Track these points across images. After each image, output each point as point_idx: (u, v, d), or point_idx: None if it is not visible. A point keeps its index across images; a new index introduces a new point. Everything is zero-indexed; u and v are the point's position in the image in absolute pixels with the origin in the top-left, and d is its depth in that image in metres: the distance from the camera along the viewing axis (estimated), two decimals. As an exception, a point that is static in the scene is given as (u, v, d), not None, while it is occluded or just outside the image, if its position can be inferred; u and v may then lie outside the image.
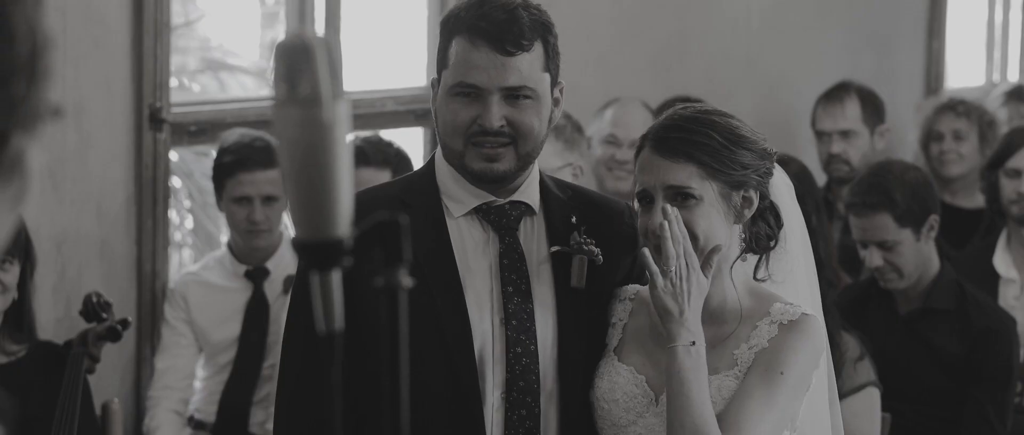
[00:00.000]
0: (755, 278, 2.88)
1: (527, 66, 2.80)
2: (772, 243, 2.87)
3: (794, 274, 2.94)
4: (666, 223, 2.72)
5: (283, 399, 2.89)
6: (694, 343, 2.70)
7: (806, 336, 2.78)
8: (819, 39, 6.99)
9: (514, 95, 2.80)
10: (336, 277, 1.64)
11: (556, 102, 2.90)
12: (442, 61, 2.86)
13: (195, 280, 4.64)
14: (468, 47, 2.80)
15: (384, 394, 1.73)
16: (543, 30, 2.84)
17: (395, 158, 4.60)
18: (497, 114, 2.79)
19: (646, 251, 2.74)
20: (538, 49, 2.82)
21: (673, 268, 2.71)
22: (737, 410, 2.72)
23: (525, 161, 2.86)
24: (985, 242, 5.31)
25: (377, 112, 5.22)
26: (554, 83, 2.88)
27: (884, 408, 4.21)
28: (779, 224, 2.87)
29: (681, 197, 2.76)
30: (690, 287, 2.72)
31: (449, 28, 2.85)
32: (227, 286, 4.62)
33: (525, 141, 2.82)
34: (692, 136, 2.77)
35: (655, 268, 2.73)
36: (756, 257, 2.89)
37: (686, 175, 2.76)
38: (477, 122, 2.80)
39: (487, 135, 2.80)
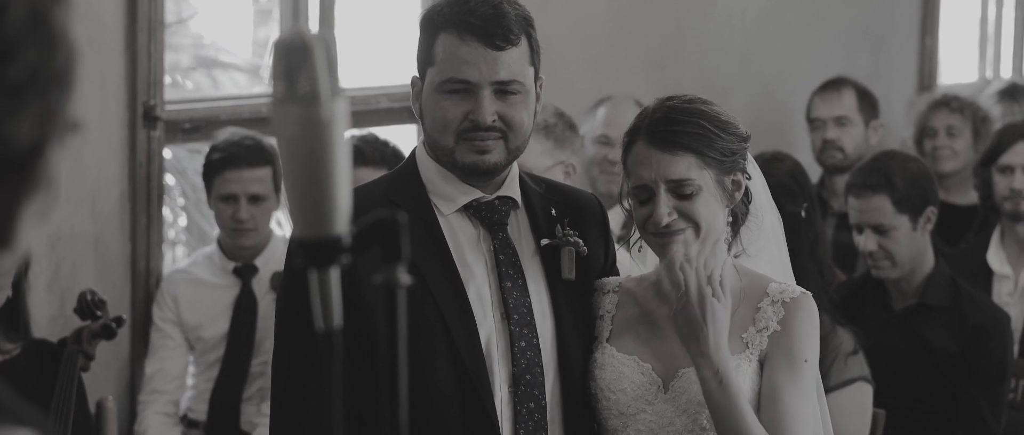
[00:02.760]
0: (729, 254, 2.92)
1: (515, 60, 2.82)
2: (743, 220, 2.92)
3: (768, 248, 2.99)
4: (685, 264, 2.74)
5: (277, 401, 2.88)
6: (718, 373, 2.71)
7: (812, 317, 2.83)
8: (813, 37, 6.99)
9: (504, 90, 2.82)
10: (334, 275, 1.64)
11: (537, 97, 2.92)
12: (427, 58, 2.86)
13: (184, 278, 4.64)
14: (457, 42, 2.81)
15: (384, 393, 1.73)
16: (526, 24, 2.85)
17: (392, 157, 4.60)
18: (490, 109, 2.80)
19: (679, 269, 2.76)
20: (524, 44, 2.84)
21: (690, 299, 2.72)
22: (780, 411, 2.76)
23: (514, 155, 2.88)
24: (979, 238, 5.32)
25: (371, 109, 5.21)
26: (537, 76, 2.90)
27: (879, 404, 4.22)
28: (749, 200, 2.92)
29: (683, 188, 2.78)
30: (710, 317, 2.73)
31: (433, 25, 2.86)
32: (216, 283, 4.62)
33: (516, 135, 2.84)
34: (686, 127, 2.79)
35: (674, 294, 2.76)
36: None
37: (685, 167, 2.78)
38: (469, 117, 2.81)
39: (479, 130, 2.81)
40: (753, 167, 2.97)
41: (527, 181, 2.99)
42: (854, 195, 4.53)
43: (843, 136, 5.78)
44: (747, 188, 2.90)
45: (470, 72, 2.80)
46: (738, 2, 6.55)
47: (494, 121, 2.81)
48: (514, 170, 2.94)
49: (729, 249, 2.91)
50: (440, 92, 2.83)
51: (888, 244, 4.47)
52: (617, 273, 3.05)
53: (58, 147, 1.30)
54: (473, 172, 2.86)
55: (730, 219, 2.88)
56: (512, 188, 2.93)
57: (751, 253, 2.93)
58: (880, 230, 4.46)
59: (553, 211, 2.95)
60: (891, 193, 4.44)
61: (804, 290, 2.86)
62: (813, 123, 5.88)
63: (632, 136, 2.85)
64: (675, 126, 2.80)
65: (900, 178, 4.44)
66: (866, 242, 4.48)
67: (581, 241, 2.92)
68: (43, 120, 1.27)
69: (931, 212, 4.49)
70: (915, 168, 4.53)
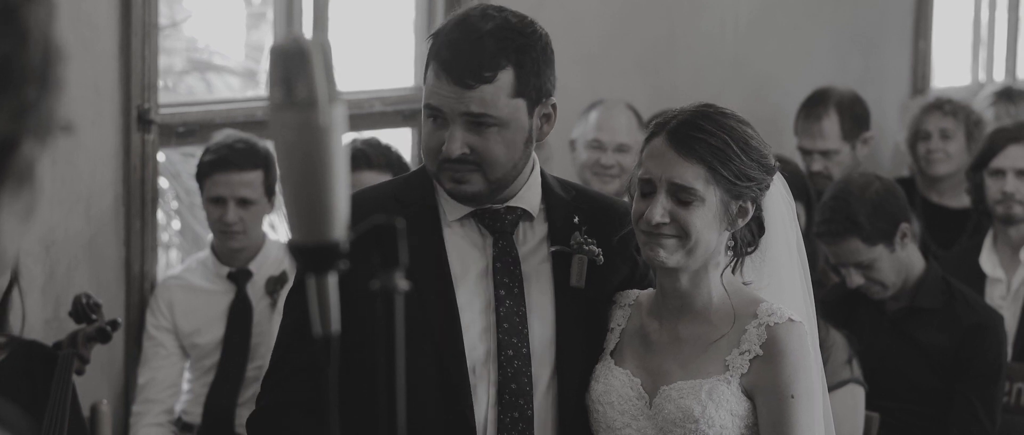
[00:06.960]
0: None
1: (491, 95, 2.74)
2: (750, 249, 2.87)
3: (777, 282, 2.93)
4: None
5: (267, 378, 2.91)
6: None
7: (799, 346, 2.78)
8: (806, 40, 7.00)
9: (477, 122, 2.76)
10: (332, 280, 1.64)
11: (546, 118, 2.83)
12: (424, 76, 2.84)
13: (178, 284, 4.63)
14: (433, 74, 2.78)
15: (379, 397, 1.73)
16: (516, 54, 2.76)
17: (396, 162, 4.60)
18: (459, 142, 2.75)
19: None
20: (506, 76, 2.75)
21: None
22: None
23: (497, 185, 2.82)
24: (972, 242, 5.32)
25: (365, 113, 5.21)
26: (537, 102, 2.81)
27: (873, 407, 4.21)
28: (760, 232, 2.87)
29: (684, 195, 2.75)
30: None
31: (430, 45, 2.82)
32: (210, 288, 4.61)
33: (492, 168, 2.79)
34: (709, 138, 2.75)
35: None
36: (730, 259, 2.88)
37: (693, 175, 2.75)
38: (443, 147, 2.77)
39: (451, 161, 2.77)
40: (786, 204, 2.92)
41: (554, 188, 2.93)
42: (824, 242, 4.51)
43: (830, 165, 5.73)
44: (761, 220, 2.86)
45: (441, 102, 2.76)
46: (731, 5, 6.55)
47: (464, 153, 2.76)
48: (533, 180, 2.90)
49: (731, 272, 2.87)
50: (424, 115, 2.81)
51: (874, 275, 4.46)
52: (651, 285, 2.97)
53: (38, 144, 1.28)
54: (456, 198, 2.83)
55: (731, 243, 2.84)
56: (525, 199, 2.88)
57: (757, 285, 2.88)
58: (861, 267, 4.45)
59: (575, 219, 2.89)
60: (858, 233, 4.40)
61: (792, 317, 2.79)
62: (800, 148, 5.83)
63: (657, 129, 2.81)
64: (698, 133, 2.76)
65: (863, 214, 4.40)
66: (851, 278, 4.47)
67: (597, 250, 2.87)
68: (16, 115, 1.25)
69: (905, 228, 4.45)
70: (875, 193, 4.45)
